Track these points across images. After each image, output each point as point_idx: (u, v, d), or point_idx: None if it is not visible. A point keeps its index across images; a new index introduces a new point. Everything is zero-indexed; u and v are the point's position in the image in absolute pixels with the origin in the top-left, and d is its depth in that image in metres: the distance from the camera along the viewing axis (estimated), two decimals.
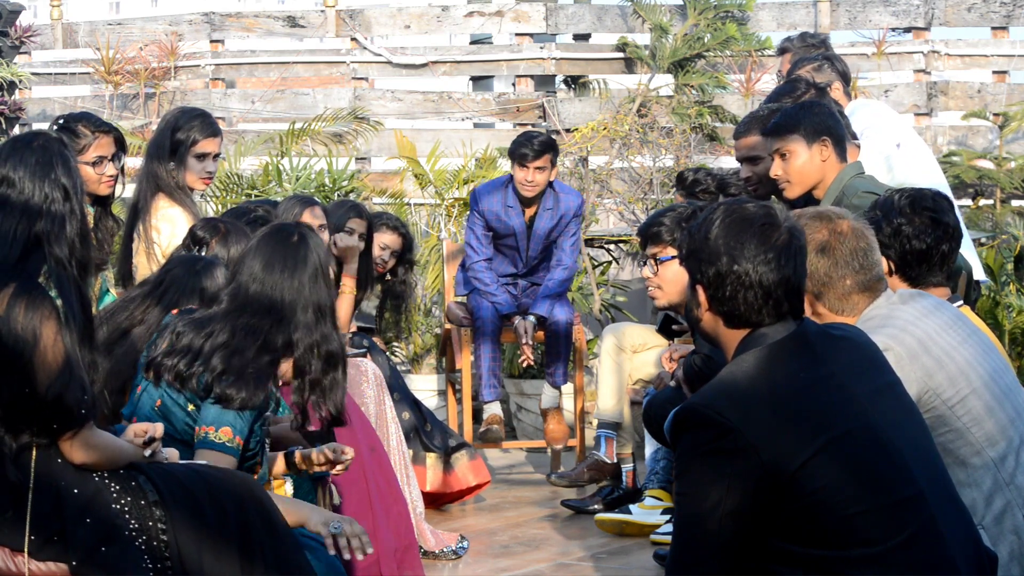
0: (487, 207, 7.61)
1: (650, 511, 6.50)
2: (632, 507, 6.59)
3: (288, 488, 4.77)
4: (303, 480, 5.03)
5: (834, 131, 5.44)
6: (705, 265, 3.26)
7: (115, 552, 3.65)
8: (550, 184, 7.58)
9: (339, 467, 4.66)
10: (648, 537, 6.37)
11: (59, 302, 3.63)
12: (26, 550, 3.63)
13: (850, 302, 3.88)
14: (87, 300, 3.77)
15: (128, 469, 3.78)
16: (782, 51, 6.93)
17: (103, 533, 3.66)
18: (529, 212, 7.62)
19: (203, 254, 4.99)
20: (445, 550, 6.12)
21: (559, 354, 7.72)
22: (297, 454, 4.67)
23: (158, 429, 3.92)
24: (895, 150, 6.21)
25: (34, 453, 3.65)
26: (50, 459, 3.67)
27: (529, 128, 8.25)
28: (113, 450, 3.75)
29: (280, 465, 4.68)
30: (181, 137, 5.87)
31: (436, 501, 6.94)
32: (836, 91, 6.42)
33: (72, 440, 3.64)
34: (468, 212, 7.87)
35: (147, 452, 3.86)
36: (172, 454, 4.06)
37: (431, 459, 6.80)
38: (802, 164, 5.41)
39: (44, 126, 7.99)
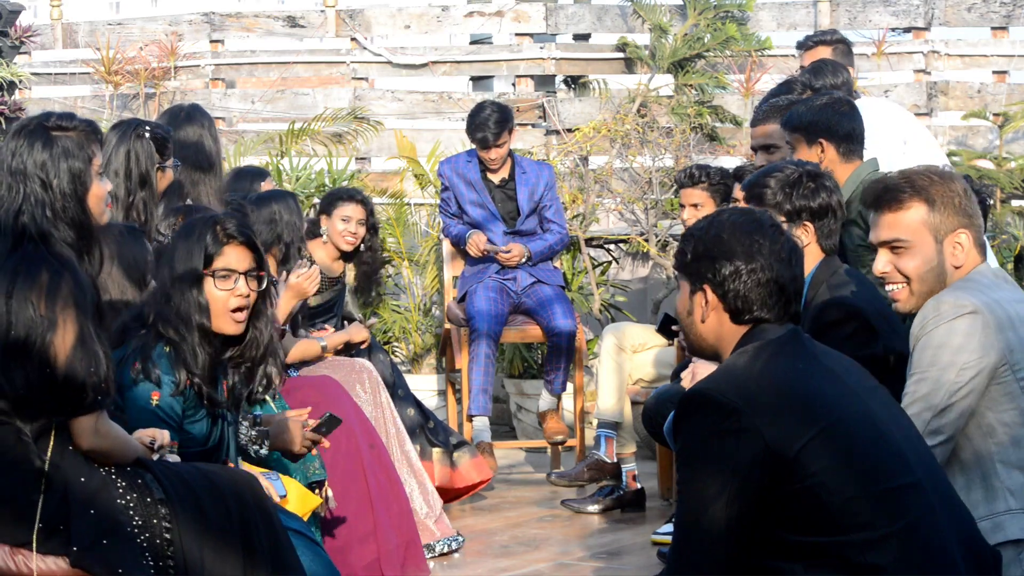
0: (449, 169, 8.03)
1: None
2: None
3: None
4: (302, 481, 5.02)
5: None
6: (720, 263, 3.31)
7: (115, 546, 3.66)
8: (513, 159, 8.02)
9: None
10: (649, 537, 6.38)
11: (72, 287, 3.64)
12: (34, 540, 3.64)
13: (979, 245, 3.99)
14: (97, 285, 3.79)
15: (135, 467, 3.80)
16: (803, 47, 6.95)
17: (105, 526, 3.67)
18: (500, 174, 7.98)
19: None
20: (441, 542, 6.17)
21: (560, 363, 7.72)
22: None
23: (164, 436, 3.96)
24: (901, 147, 6.23)
25: (51, 441, 3.67)
26: (63, 449, 3.69)
27: (482, 102, 8.16)
28: (122, 441, 3.78)
29: None
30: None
31: (441, 497, 6.93)
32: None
33: (84, 425, 3.66)
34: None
35: (154, 457, 3.89)
36: (177, 460, 4.08)
37: (437, 454, 6.79)
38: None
39: None
